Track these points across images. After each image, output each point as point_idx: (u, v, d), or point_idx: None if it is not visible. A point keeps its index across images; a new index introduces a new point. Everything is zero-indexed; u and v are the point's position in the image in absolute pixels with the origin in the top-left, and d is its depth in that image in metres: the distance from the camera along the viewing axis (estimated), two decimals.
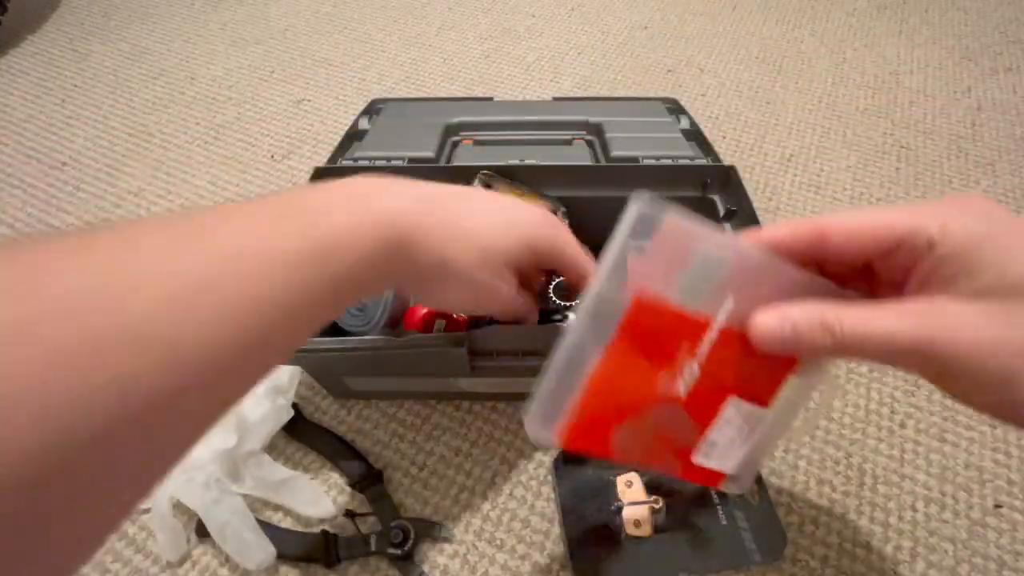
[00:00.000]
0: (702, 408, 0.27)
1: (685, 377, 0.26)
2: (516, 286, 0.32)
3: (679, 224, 0.22)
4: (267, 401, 0.45)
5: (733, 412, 0.27)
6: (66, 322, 0.15)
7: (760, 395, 0.27)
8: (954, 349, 0.19)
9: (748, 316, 0.24)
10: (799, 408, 0.28)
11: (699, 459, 0.28)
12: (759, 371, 0.26)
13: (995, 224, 0.19)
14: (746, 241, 0.24)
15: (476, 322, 0.44)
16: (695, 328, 0.25)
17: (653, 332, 0.25)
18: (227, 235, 0.20)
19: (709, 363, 0.25)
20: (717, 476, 0.29)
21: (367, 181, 0.26)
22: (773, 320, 0.22)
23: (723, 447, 0.28)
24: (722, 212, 0.50)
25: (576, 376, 0.24)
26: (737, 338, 0.25)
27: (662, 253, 0.23)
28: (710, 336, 0.25)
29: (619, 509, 0.40)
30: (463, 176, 0.49)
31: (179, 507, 0.41)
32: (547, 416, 0.25)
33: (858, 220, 0.22)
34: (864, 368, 0.51)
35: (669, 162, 0.52)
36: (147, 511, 0.42)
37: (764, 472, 0.44)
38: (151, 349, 0.16)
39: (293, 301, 0.20)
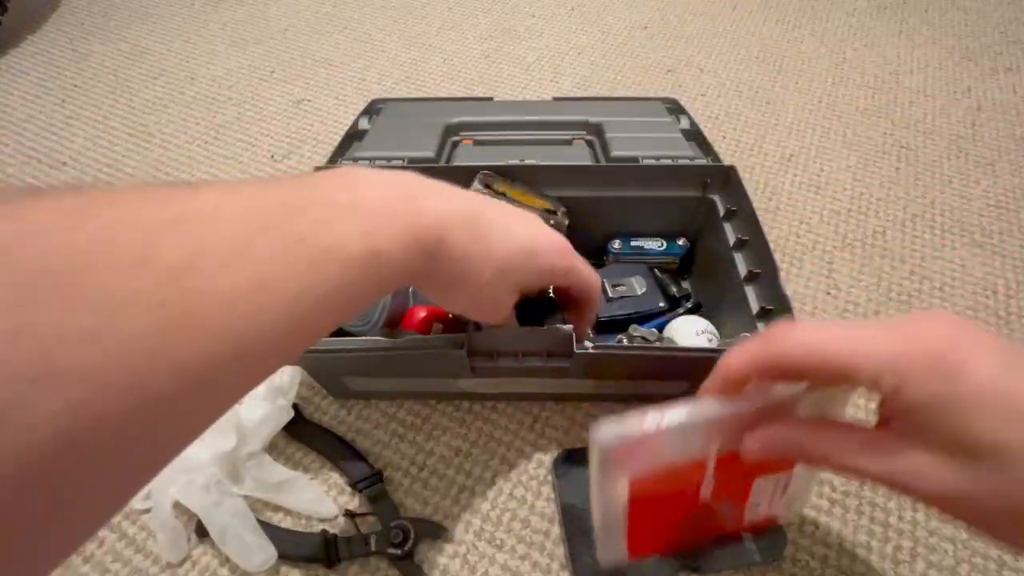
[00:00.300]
0: (734, 495, 0.31)
1: (703, 490, 0.30)
2: (514, 303, 0.33)
3: (643, 435, 0.26)
4: (267, 402, 0.45)
5: (763, 484, 0.31)
6: (165, 304, 0.16)
7: (782, 466, 0.30)
8: (919, 494, 0.21)
9: (739, 441, 0.27)
10: None
11: (749, 516, 0.33)
12: (773, 462, 0.29)
13: (951, 379, 0.19)
14: (711, 406, 0.26)
15: (476, 324, 0.44)
16: (696, 467, 0.29)
17: (660, 485, 0.28)
18: (291, 227, 0.20)
19: (719, 477, 0.29)
20: (770, 520, 0.33)
21: (415, 181, 0.26)
22: (759, 447, 0.26)
23: (766, 504, 0.32)
24: (722, 212, 0.50)
25: (617, 527, 0.30)
26: (737, 457, 0.27)
27: (640, 449, 0.26)
28: (710, 467, 0.29)
29: None
30: (463, 176, 0.49)
31: (179, 507, 0.41)
32: (612, 551, 0.31)
33: (813, 358, 0.22)
34: None
35: (669, 162, 0.52)
36: (147, 511, 0.42)
37: None
38: (217, 335, 0.17)
39: (340, 295, 0.21)
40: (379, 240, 0.22)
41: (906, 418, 0.20)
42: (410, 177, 0.26)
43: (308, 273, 0.19)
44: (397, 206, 0.24)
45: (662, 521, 0.31)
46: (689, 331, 0.46)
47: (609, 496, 0.28)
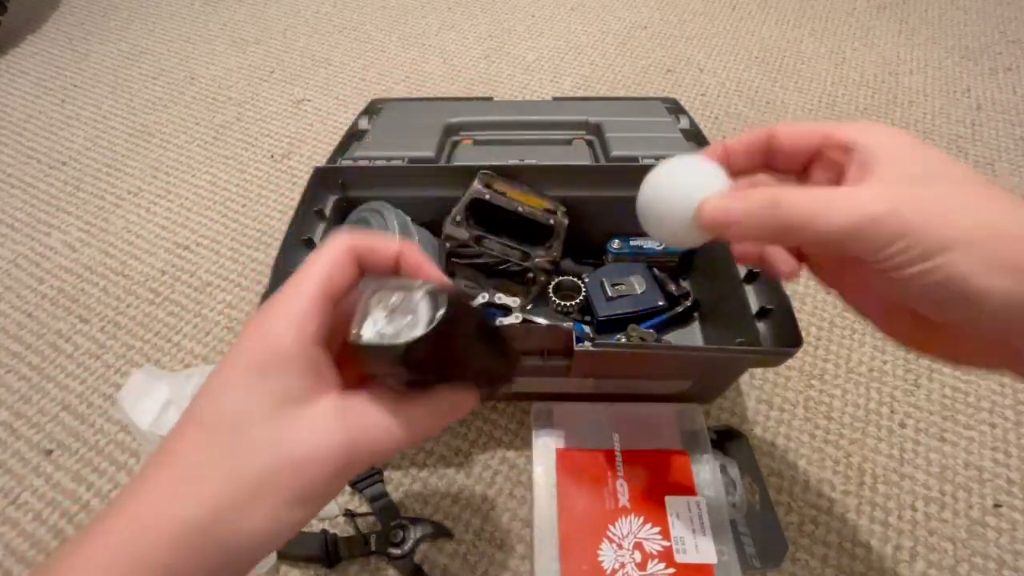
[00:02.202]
0: (650, 511, 0.36)
1: (620, 490, 0.37)
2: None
3: (564, 411, 0.41)
4: None
5: (675, 506, 0.36)
6: None
7: (684, 487, 0.37)
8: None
9: (634, 442, 0.39)
10: (719, 486, 0.38)
11: (680, 558, 0.34)
12: (669, 471, 0.37)
13: (893, 136, 0.24)
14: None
15: None
16: (606, 457, 0.38)
17: (579, 467, 0.38)
18: None
19: (630, 476, 0.37)
20: (706, 568, 0.34)
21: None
22: (726, 201, 0.25)
23: (691, 540, 0.35)
24: None
25: (551, 519, 0.36)
26: (638, 455, 0.38)
27: (563, 426, 0.40)
28: (618, 459, 0.38)
29: None
30: (463, 175, 0.49)
31: None
32: (546, 553, 0.35)
33: (799, 124, 0.27)
34: (864, 368, 0.51)
35: None
36: None
37: (764, 472, 0.44)
38: None
39: None
40: None
41: (863, 158, 0.24)
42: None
43: None
44: None
45: (588, 512, 0.35)
46: (695, 172, 0.29)
47: (542, 462, 0.37)
